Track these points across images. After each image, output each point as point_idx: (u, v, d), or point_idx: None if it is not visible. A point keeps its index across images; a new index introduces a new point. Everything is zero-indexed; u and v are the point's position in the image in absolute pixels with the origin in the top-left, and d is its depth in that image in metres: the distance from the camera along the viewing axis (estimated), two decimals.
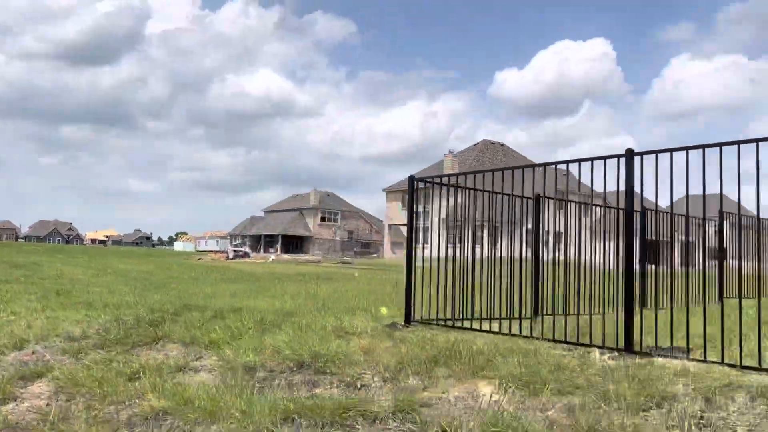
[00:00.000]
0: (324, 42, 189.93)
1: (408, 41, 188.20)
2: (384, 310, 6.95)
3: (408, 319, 6.75)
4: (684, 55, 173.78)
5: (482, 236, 7.54)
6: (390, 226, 60.35)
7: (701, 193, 5.50)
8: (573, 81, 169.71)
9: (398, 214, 57.65)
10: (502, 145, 59.36)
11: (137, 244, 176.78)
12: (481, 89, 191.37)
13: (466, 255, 7.33)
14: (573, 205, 8.21)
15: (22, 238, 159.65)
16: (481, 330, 6.49)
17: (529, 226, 8.17)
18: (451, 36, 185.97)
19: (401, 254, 56.87)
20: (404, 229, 62.05)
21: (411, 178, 7.02)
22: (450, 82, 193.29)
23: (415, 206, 7.07)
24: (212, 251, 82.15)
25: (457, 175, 7.00)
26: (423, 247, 7.16)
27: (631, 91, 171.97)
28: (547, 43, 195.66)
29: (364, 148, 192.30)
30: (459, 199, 7.33)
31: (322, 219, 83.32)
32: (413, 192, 7.09)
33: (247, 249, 77.98)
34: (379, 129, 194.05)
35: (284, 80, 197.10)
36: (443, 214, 7.55)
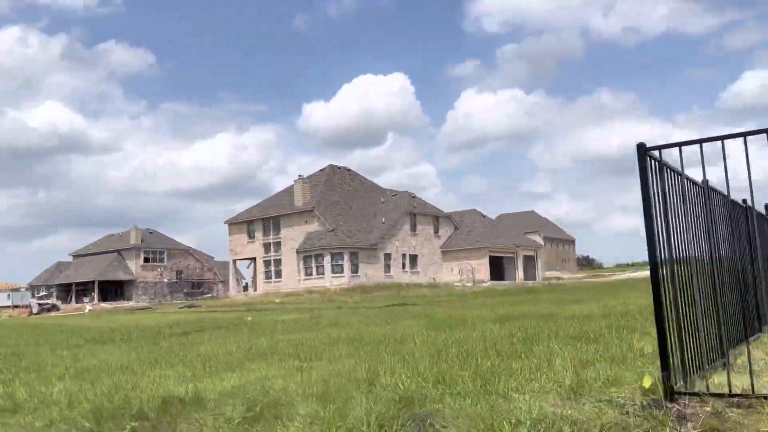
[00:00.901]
0: (119, 73, 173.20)
1: (211, 74, 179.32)
2: (648, 380, 4.05)
3: (670, 386, 3.93)
4: (472, 90, 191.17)
5: None
6: (235, 261, 55.20)
7: None
8: (376, 113, 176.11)
9: (244, 248, 52.91)
10: (348, 170, 57.80)
11: None
12: (289, 121, 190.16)
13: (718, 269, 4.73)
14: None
15: None
16: None
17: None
18: (256, 70, 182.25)
19: (250, 292, 52.11)
20: (247, 265, 57.39)
21: (641, 146, 4.20)
22: (258, 114, 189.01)
23: (654, 190, 4.26)
24: (8, 306, 69.23)
25: (707, 140, 4.25)
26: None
27: (429, 123, 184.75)
28: (350, 76, 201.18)
29: (171, 183, 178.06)
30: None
31: (146, 260, 74.60)
32: (646, 169, 4.22)
33: (54, 301, 67.38)
34: (185, 163, 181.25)
35: (74, 113, 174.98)
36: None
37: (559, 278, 61.46)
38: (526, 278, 55.03)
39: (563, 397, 4.35)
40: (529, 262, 57.90)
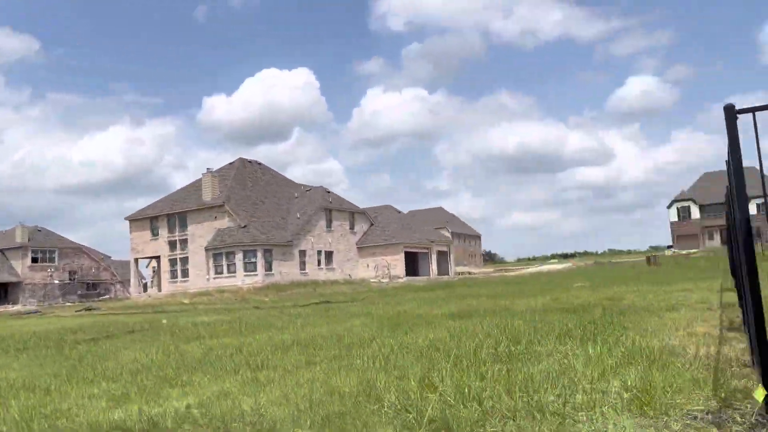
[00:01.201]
0: None
1: (104, 63, 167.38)
2: (761, 393, 3.35)
3: None
4: (378, 87, 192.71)
5: None
6: (137, 260, 51.66)
7: None
8: (282, 108, 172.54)
9: (147, 245, 49.62)
10: (260, 164, 55.65)
11: None
12: (189, 115, 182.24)
13: None
14: None
15: None
16: None
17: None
18: (153, 60, 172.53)
19: (153, 292, 49.01)
20: (146, 264, 53.90)
21: (730, 109, 3.51)
22: (155, 107, 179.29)
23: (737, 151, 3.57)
24: None
25: None
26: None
27: (334, 119, 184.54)
28: (253, 70, 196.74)
29: (60, 178, 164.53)
30: None
31: (34, 260, 68.54)
32: (736, 137, 3.54)
33: None
34: (76, 157, 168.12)
35: None
36: None
37: (470, 273, 62.49)
38: (439, 273, 55.41)
39: (634, 414, 3.61)
40: (442, 257, 58.38)
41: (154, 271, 54.31)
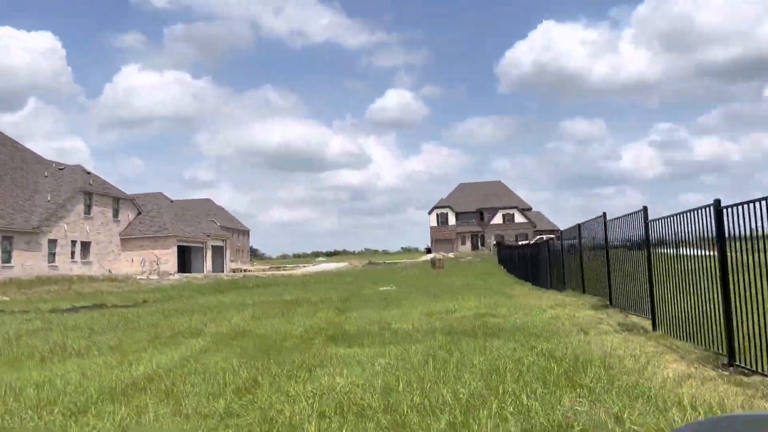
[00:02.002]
0: None
1: None
2: None
3: None
4: (135, 65, 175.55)
5: None
6: None
7: None
8: (15, 73, 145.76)
9: None
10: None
11: None
12: None
13: None
14: None
15: None
16: None
17: None
18: None
19: None
20: None
21: None
22: None
23: None
24: None
25: None
26: None
27: (81, 93, 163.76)
28: None
29: None
30: None
31: None
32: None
33: None
34: None
35: None
36: None
37: (245, 270, 59.39)
38: (213, 270, 51.44)
39: None
40: (217, 253, 54.40)
41: None
